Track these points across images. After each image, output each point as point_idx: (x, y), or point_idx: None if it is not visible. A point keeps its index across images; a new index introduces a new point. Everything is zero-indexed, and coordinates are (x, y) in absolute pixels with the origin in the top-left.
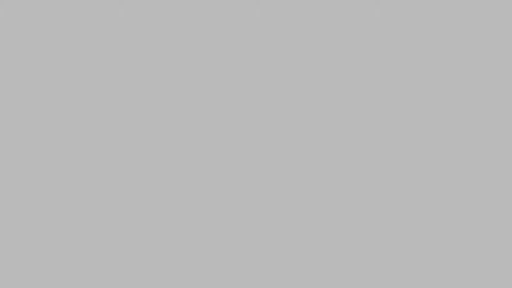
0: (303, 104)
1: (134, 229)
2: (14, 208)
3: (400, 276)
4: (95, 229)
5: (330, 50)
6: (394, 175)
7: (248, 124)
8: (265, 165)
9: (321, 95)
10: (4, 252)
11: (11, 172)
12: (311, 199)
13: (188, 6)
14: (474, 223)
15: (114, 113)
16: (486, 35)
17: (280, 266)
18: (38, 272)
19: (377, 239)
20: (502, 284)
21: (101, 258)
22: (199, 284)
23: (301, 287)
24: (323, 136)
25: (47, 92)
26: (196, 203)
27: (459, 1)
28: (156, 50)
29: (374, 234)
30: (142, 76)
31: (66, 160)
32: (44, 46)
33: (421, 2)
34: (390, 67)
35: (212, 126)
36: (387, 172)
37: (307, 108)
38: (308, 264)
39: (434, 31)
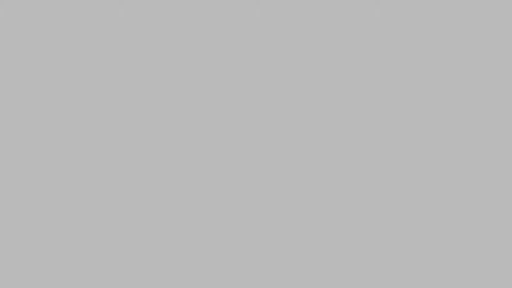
0: (303, 104)
1: (134, 229)
2: (14, 208)
3: (400, 276)
4: (95, 229)
5: (330, 50)
6: (394, 176)
7: (248, 124)
8: (265, 165)
9: (321, 95)
10: (4, 252)
11: (11, 172)
12: (311, 199)
13: (188, 6)
14: (474, 224)
15: (114, 113)
16: (486, 35)
17: (280, 266)
18: (38, 272)
19: (377, 239)
20: (502, 284)
21: (101, 258)
22: (199, 284)
23: (301, 287)
24: (323, 137)
25: (47, 92)
26: (196, 204)
27: (459, 1)
28: (156, 50)
29: (374, 234)
30: (142, 76)
31: (66, 160)
32: (44, 46)
33: (421, 2)
34: (390, 67)
35: (212, 126)
36: (387, 173)
37: (307, 108)
38: (308, 264)
39: (434, 31)
